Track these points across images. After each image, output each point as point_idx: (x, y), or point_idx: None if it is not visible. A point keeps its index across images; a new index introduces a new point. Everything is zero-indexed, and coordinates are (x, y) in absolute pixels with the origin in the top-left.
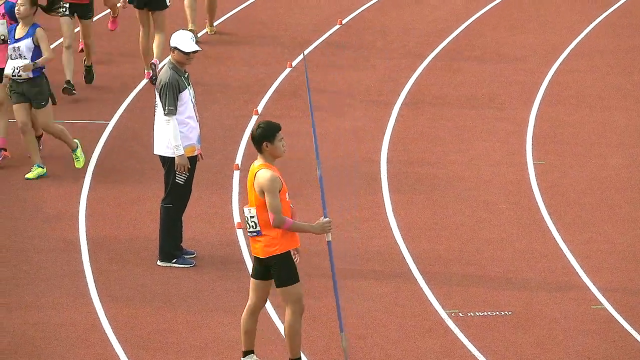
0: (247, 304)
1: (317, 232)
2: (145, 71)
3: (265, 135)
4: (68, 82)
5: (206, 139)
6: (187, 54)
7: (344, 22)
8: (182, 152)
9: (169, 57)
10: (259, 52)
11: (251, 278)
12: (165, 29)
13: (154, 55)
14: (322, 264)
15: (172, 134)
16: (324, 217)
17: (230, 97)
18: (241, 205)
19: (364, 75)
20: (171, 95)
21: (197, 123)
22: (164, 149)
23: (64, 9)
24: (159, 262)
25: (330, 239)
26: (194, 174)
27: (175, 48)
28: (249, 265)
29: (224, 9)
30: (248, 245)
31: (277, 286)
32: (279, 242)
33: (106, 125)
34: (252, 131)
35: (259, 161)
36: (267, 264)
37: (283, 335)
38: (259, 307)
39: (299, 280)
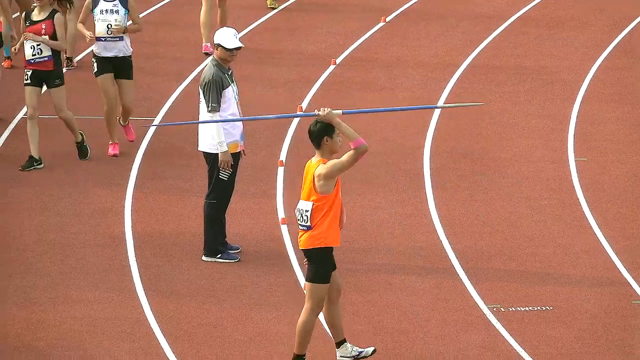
0: (325, 300)
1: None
2: (203, 44)
3: (326, 130)
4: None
5: (251, 136)
6: (231, 50)
7: (387, 19)
8: (225, 148)
9: (213, 54)
10: (303, 49)
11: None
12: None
13: (205, 39)
14: (367, 260)
15: (216, 131)
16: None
17: (274, 94)
18: (285, 201)
19: (406, 70)
20: (214, 93)
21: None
22: (208, 146)
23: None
24: (203, 258)
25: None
26: (237, 170)
27: (219, 45)
28: (293, 260)
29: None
30: (292, 241)
31: (307, 280)
32: (324, 235)
33: (152, 121)
34: (311, 127)
35: (316, 157)
36: (307, 256)
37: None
38: (335, 298)
39: (329, 282)
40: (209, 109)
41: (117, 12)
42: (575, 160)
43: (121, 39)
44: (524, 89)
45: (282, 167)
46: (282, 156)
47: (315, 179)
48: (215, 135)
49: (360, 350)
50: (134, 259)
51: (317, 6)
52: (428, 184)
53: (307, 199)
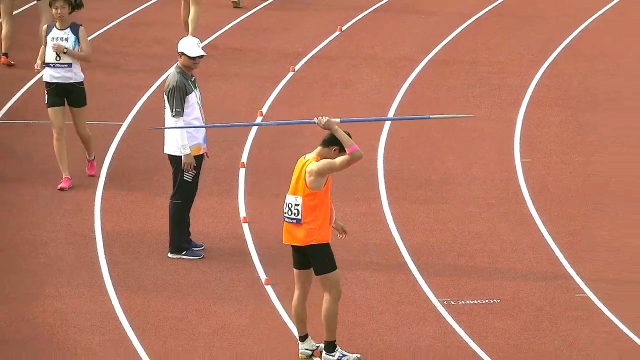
0: (295, 294)
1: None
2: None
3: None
4: None
5: (213, 139)
6: (193, 58)
7: (343, 28)
8: (188, 151)
9: (177, 62)
10: (262, 61)
11: (294, 269)
12: (200, 3)
13: (189, 31)
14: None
15: (179, 135)
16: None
17: (236, 100)
18: (246, 201)
19: (362, 78)
20: (178, 98)
21: (203, 124)
22: (173, 149)
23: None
24: (169, 255)
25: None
26: (200, 172)
27: (182, 53)
28: (254, 257)
29: (223, 22)
30: (253, 239)
31: (316, 274)
32: (317, 232)
33: (120, 126)
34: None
35: (312, 155)
36: (305, 252)
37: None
38: (306, 294)
39: (336, 268)
40: (173, 114)
41: (67, 39)
42: (521, 161)
43: (70, 65)
44: (472, 93)
45: (243, 169)
46: (244, 158)
47: (307, 174)
48: (179, 139)
49: (344, 353)
50: (104, 256)
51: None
52: (382, 184)
53: (296, 194)
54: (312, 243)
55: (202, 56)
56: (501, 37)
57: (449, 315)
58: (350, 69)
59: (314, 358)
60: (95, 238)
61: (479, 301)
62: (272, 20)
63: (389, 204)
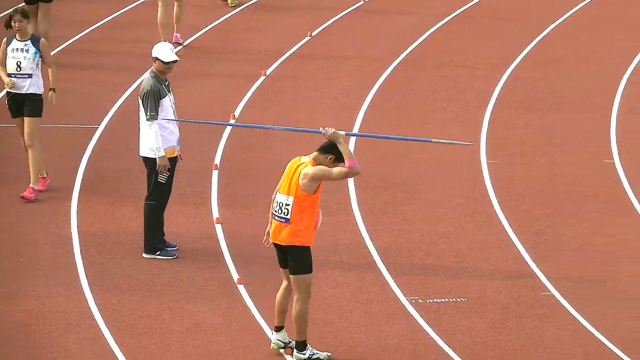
0: (282, 286)
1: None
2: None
3: (338, 151)
4: None
5: (187, 142)
6: (167, 63)
7: (314, 33)
8: (162, 153)
9: (152, 66)
10: (235, 64)
11: (280, 268)
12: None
13: (174, 30)
14: None
15: (154, 137)
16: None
17: (210, 102)
18: (219, 202)
19: (332, 82)
20: (153, 102)
21: (177, 127)
22: (147, 151)
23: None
24: (144, 255)
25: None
26: (174, 174)
27: (156, 58)
28: (227, 257)
29: (199, 26)
30: (226, 239)
31: (291, 273)
32: (302, 234)
33: (96, 129)
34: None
35: (308, 158)
36: (286, 251)
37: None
38: (291, 288)
39: (312, 271)
40: (148, 117)
41: (27, 50)
42: (487, 163)
43: (30, 76)
44: (440, 96)
45: (216, 171)
46: (216, 160)
47: (301, 177)
48: (153, 141)
49: (315, 352)
50: (80, 256)
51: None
52: (351, 185)
53: (289, 194)
54: (295, 244)
55: (175, 61)
56: (469, 41)
57: (417, 313)
58: (320, 72)
59: (284, 354)
60: (72, 239)
61: (446, 300)
62: (248, 22)
63: (358, 205)
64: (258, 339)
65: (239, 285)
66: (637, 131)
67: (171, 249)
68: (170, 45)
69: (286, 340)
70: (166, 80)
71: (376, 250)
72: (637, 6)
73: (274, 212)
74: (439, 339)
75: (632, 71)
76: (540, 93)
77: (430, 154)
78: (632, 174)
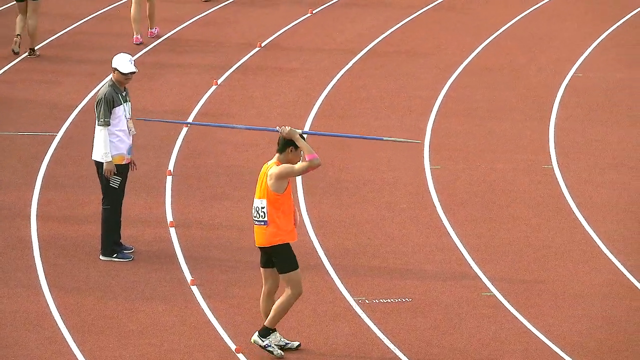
0: (262, 291)
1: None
2: (134, 36)
3: (293, 142)
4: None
5: (143, 149)
6: (125, 74)
7: (263, 44)
8: (110, 158)
9: (110, 75)
10: (188, 71)
11: (261, 268)
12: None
13: (149, 26)
14: (247, 258)
15: (102, 142)
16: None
17: (163, 112)
18: (173, 206)
19: (281, 91)
20: (105, 109)
21: (130, 136)
22: (98, 155)
23: None
24: (101, 257)
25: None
26: (126, 179)
27: (116, 69)
28: (181, 260)
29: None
30: (180, 242)
31: (279, 273)
32: (281, 233)
33: (54, 136)
34: (281, 136)
35: (273, 160)
36: (270, 253)
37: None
38: (273, 290)
39: (297, 267)
40: (99, 123)
41: None
42: (430, 168)
43: None
44: (384, 105)
45: (170, 176)
46: (170, 166)
47: (268, 178)
48: (101, 147)
49: (286, 341)
50: (40, 259)
51: (199, 28)
52: (300, 189)
53: (262, 197)
54: (276, 244)
55: (133, 72)
56: (412, 50)
57: (363, 313)
58: (269, 82)
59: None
60: (31, 242)
61: (391, 300)
62: (200, 33)
63: (306, 208)
64: (211, 337)
65: (192, 286)
66: (574, 138)
67: (127, 251)
68: (129, 57)
69: (282, 343)
70: (124, 90)
71: (324, 252)
72: (571, 19)
73: (253, 217)
74: (385, 337)
75: (568, 81)
76: (480, 101)
77: (375, 160)
78: (570, 179)
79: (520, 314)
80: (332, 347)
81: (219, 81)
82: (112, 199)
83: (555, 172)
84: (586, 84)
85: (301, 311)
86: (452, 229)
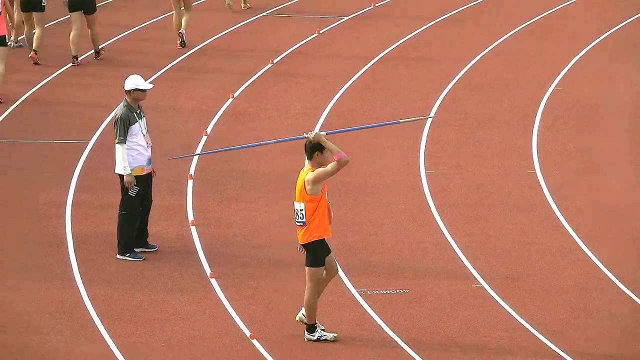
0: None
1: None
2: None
3: (318, 146)
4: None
5: (166, 155)
6: (145, 91)
7: (275, 60)
8: (129, 171)
9: (125, 97)
10: (206, 84)
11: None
12: (191, 8)
13: (182, 27)
14: (260, 254)
15: (121, 158)
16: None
17: (185, 121)
18: (194, 207)
19: (291, 101)
20: (122, 128)
21: (149, 149)
22: (119, 169)
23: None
24: (117, 256)
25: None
26: (150, 188)
27: (135, 89)
28: (201, 255)
29: (172, 53)
30: (201, 239)
31: (306, 265)
32: (316, 230)
33: (87, 144)
34: (306, 143)
35: (307, 167)
36: (305, 247)
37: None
38: (331, 277)
39: (323, 265)
40: (117, 141)
41: None
42: (425, 173)
43: None
44: (384, 115)
45: (191, 180)
46: (191, 171)
47: (305, 184)
48: (120, 161)
49: (323, 334)
50: (74, 254)
51: (217, 51)
52: None
53: (300, 201)
54: (311, 240)
55: (149, 88)
56: (410, 66)
57: (365, 303)
58: (281, 95)
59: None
60: (66, 239)
61: (390, 291)
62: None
63: None
64: (228, 325)
65: (211, 279)
66: (555, 145)
67: (150, 250)
68: (140, 76)
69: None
70: (138, 108)
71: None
72: (553, 38)
73: (294, 219)
74: (385, 325)
75: (550, 94)
76: (471, 112)
77: (376, 165)
78: (551, 182)
79: (507, 304)
80: (338, 333)
81: (235, 94)
82: (128, 205)
83: (538, 176)
84: (566, 97)
85: None
86: (445, 228)
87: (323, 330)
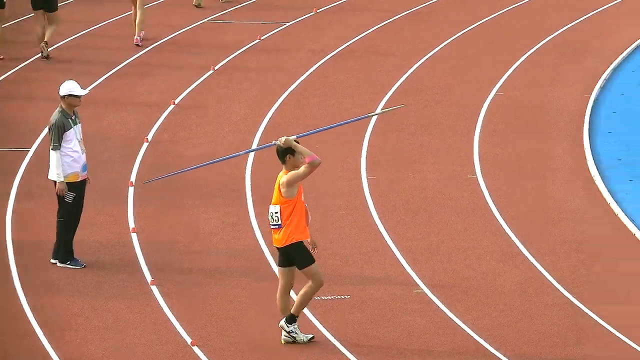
0: (278, 287)
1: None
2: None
3: (289, 150)
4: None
5: (108, 162)
6: (80, 97)
7: (216, 67)
8: (62, 178)
9: (60, 103)
10: (149, 89)
11: (278, 266)
12: (143, 7)
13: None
14: (202, 260)
15: (55, 164)
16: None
17: (125, 128)
18: (135, 213)
19: (232, 107)
20: (57, 134)
21: (83, 155)
22: (53, 175)
23: None
24: (58, 264)
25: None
26: (83, 194)
27: (69, 95)
28: (142, 262)
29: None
30: (141, 246)
31: (299, 268)
32: (294, 233)
33: (27, 152)
34: (278, 147)
35: (282, 171)
36: (286, 252)
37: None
38: (288, 287)
39: (314, 261)
40: (52, 147)
41: None
42: (367, 178)
43: None
44: (324, 122)
45: (132, 187)
46: (132, 178)
47: (280, 187)
48: (54, 167)
49: (298, 332)
50: (14, 262)
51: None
52: (249, 199)
53: (275, 203)
54: (290, 243)
55: (84, 94)
56: (350, 73)
57: (307, 309)
58: (222, 101)
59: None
60: (7, 247)
61: (332, 297)
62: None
63: (255, 215)
64: (169, 332)
65: (152, 286)
66: (496, 150)
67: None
68: (76, 82)
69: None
70: (73, 114)
71: (271, 255)
72: (494, 43)
73: (269, 222)
74: (326, 331)
75: (491, 98)
76: (411, 118)
77: (318, 171)
78: (492, 187)
79: (448, 309)
80: (279, 340)
81: (176, 100)
82: (66, 212)
83: (479, 181)
84: (507, 102)
85: (249, 308)
86: (386, 233)
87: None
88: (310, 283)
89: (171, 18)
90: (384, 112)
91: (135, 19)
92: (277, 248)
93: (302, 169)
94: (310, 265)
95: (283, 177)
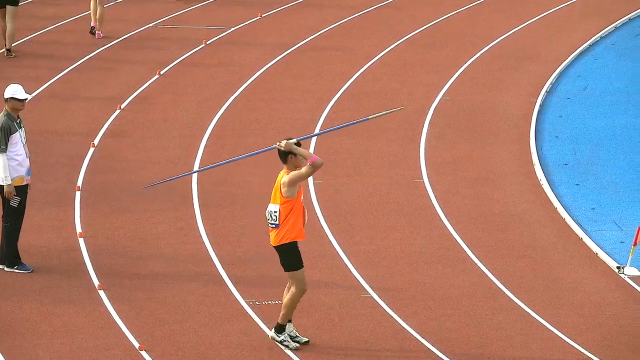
0: (287, 284)
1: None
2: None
3: (290, 150)
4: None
5: (54, 166)
6: (22, 100)
7: (162, 72)
8: (9, 182)
9: (5, 107)
10: (93, 94)
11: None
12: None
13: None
14: (149, 264)
15: (1, 168)
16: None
17: (72, 133)
18: (82, 218)
19: (178, 112)
20: (2, 137)
21: (28, 159)
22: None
23: None
24: (5, 268)
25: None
26: (26, 198)
27: (12, 98)
28: (90, 267)
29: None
30: (88, 251)
31: (285, 270)
32: (289, 233)
33: None
34: (279, 150)
35: (283, 171)
36: (278, 251)
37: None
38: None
39: (302, 267)
40: None
41: None
42: (313, 183)
43: None
44: (270, 126)
45: (79, 192)
46: (79, 182)
47: (281, 186)
48: (1, 171)
49: (297, 333)
50: None
51: (103, 60)
52: (196, 203)
53: (275, 202)
54: (284, 242)
55: (27, 99)
56: (296, 77)
57: (254, 313)
58: (168, 106)
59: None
60: None
61: (278, 302)
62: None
63: (202, 220)
64: (116, 337)
65: (99, 291)
66: (442, 155)
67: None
68: (21, 85)
69: (293, 334)
70: (18, 118)
71: (218, 259)
72: (439, 48)
73: (267, 221)
74: None
75: (437, 103)
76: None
77: (264, 175)
78: (438, 192)
79: (395, 314)
80: (226, 344)
81: (122, 105)
82: (12, 216)
83: (426, 185)
84: (453, 106)
85: (198, 312)
86: (333, 238)
87: (289, 334)
88: (293, 289)
89: (115, 22)
90: (382, 114)
91: (95, 13)
92: (274, 247)
93: (304, 169)
94: (297, 270)
95: (284, 176)
